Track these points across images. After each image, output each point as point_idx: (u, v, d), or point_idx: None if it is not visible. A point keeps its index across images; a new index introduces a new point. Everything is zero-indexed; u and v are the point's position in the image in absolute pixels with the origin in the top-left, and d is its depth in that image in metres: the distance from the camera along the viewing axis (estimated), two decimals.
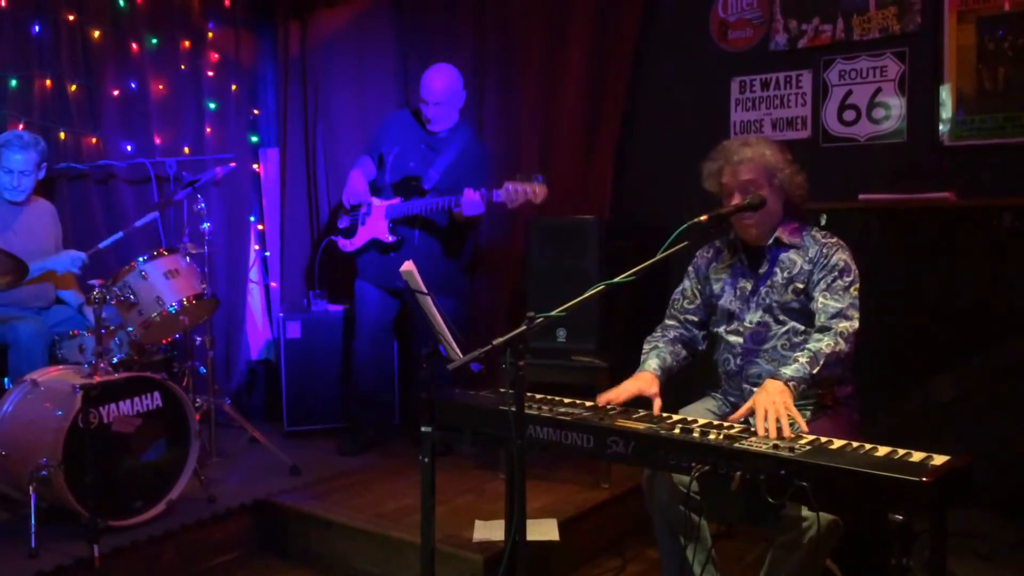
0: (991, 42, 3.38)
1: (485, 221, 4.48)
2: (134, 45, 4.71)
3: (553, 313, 2.17)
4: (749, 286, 2.66)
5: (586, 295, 2.26)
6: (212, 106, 5.02)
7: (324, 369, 4.57)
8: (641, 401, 2.52)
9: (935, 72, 3.50)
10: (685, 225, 2.35)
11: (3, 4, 4.28)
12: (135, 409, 3.26)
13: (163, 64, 4.82)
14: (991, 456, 3.04)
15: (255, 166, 5.30)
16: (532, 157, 4.36)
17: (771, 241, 2.62)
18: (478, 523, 3.23)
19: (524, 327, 2.08)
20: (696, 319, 2.79)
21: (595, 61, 4.23)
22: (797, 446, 2.02)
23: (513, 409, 2.07)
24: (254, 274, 5.29)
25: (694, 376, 2.82)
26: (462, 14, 4.60)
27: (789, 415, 2.21)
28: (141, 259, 3.52)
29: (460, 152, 4.14)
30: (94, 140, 4.58)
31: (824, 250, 2.56)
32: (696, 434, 2.14)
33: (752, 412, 2.25)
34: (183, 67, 4.90)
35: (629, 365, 2.79)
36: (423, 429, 2.53)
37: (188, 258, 3.69)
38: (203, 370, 4.26)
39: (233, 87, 5.12)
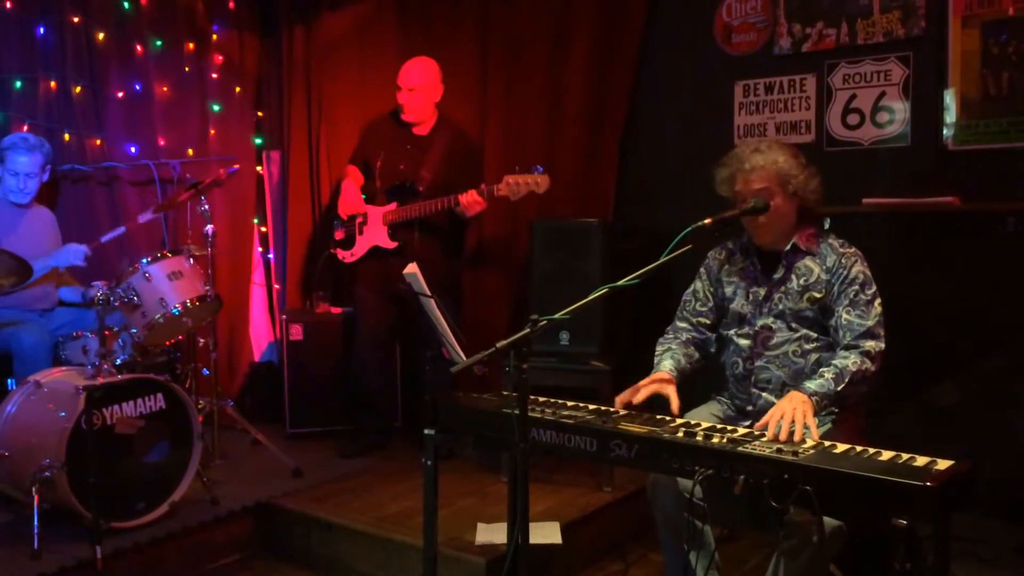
0: (995, 46, 3.38)
1: (488, 223, 4.49)
2: (138, 47, 4.72)
3: (556, 316, 2.17)
4: (762, 291, 2.64)
5: (589, 298, 2.26)
6: (216, 108, 5.02)
7: (326, 371, 4.57)
8: (657, 404, 2.50)
9: (939, 76, 3.49)
10: (689, 229, 2.35)
11: (8, 6, 4.29)
12: (138, 411, 3.26)
13: (167, 66, 4.83)
14: (995, 460, 3.04)
15: (258, 168, 5.30)
16: (536, 160, 4.35)
17: (788, 247, 2.60)
18: (480, 526, 3.22)
19: (527, 330, 2.07)
20: (708, 321, 2.77)
21: (599, 64, 4.23)
22: (801, 450, 2.02)
23: (516, 412, 2.07)
24: (257, 276, 5.30)
25: (697, 378, 2.82)
26: (466, 18, 4.60)
27: (806, 424, 2.20)
28: (145, 261, 3.53)
29: (447, 149, 4.15)
30: (98, 142, 4.59)
31: (843, 260, 2.53)
32: (699, 438, 2.13)
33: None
34: (187, 69, 4.91)
35: (632, 368, 2.79)
36: (426, 432, 2.53)
37: (191, 260, 3.69)
38: (206, 372, 4.26)
39: (237, 89, 5.13)
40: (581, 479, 3.69)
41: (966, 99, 3.45)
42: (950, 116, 3.48)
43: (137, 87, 4.72)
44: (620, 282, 2.26)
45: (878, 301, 2.50)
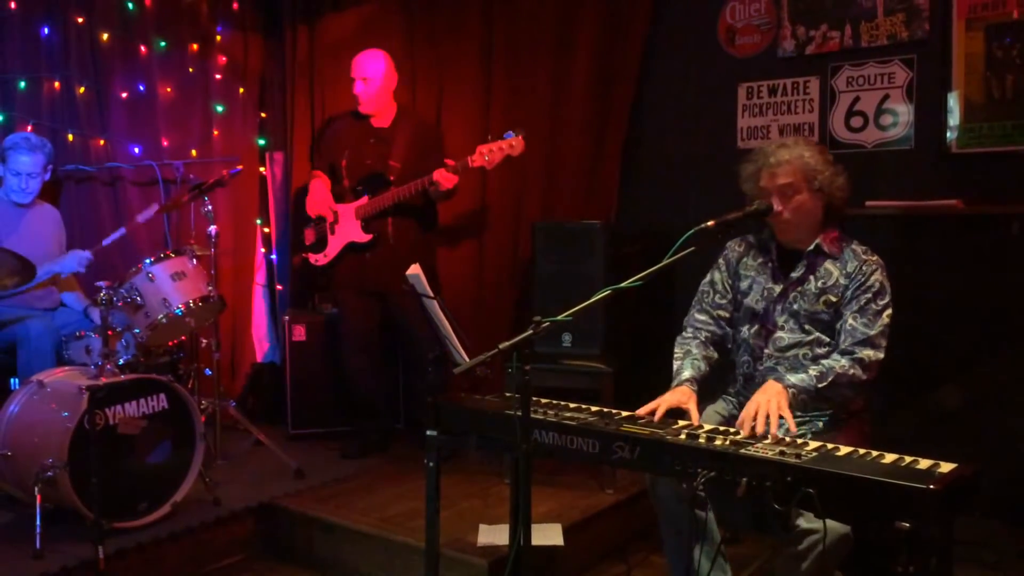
0: (999, 49, 3.38)
1: (490, 223, 4.50)
2: (142, 48, 4.73)
3: (559, 318, 2.17)
4: (778, 289, 2.61)
5: (592, 300, 2.25)
6: (219, 109, 5.03)
7: (329, 372, 4.56)
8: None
9: (943, 79, 3.49)
10: (692, 231, 2.35)
11: (12, 6, 4.30)
12: (141, 411, 3.26)
13: (171, 67, 4.84)
14: (999, 464, 3.03)
15: (261, 169, 5.31)
16: (538, 161, 4.37)
17: (812, 247, 2.58)
18: (482, 527, 3.22)
19: (530, 331, 2.07)
20: (727, 315, 2.73)
21: (602, 65, 4.23)
22: (804, 453, 2.01)
23: (519, 414, 2.07)
24: (260, 277, 5.30)
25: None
26: (470, 20, 4.60)
27: (781, 416, 2.20)
28: (148, 261, 3.54)
29: (411, 137, 4.18)
30: (102, 142, 4.59)
31: (863, 267, 2.51)
32: (702, 440, 2.13)
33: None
34: (191, 70, 4.92)
35: (634, 370, 2.79)
36: (428, 433, 2.53)
37: (194, 260, 3.69)
38: (208, 372, 4.26)
39: (240, 90, 5.13)
40: (583, 481, 3.68)
41: (970, 102, 3.44)
42: (954, 119, 3.48)
43: (141, 88, 4.72)
44: (623, 284, 2.26)
45: (887, 313, 2.48)
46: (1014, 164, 3.35)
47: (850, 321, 2.48)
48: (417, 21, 4.80)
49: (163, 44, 4.79)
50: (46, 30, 4.42)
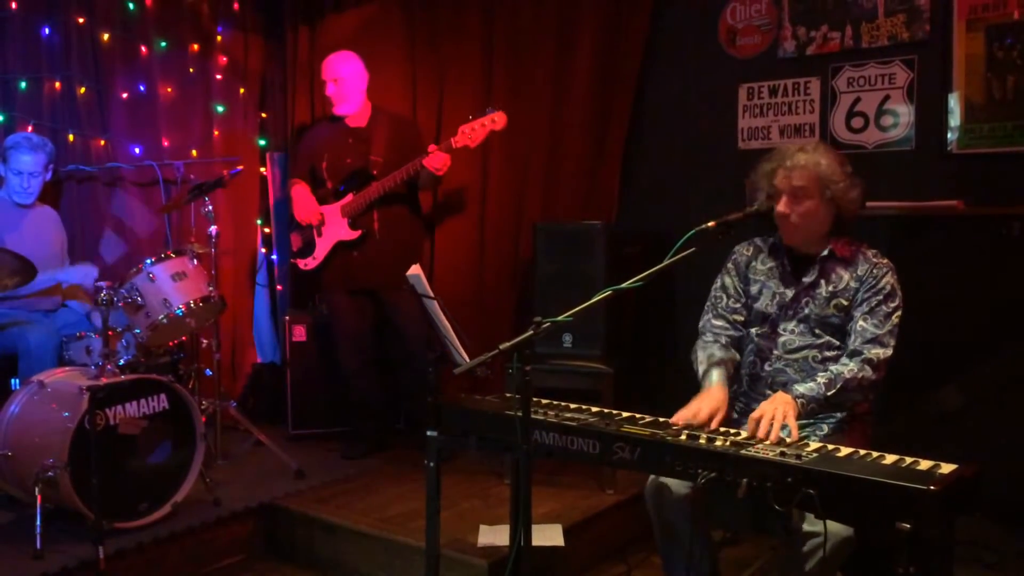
0: (1000, 50, 3.38)
1: (491, 224, 4.49)
2: (143, 48, 4.73)
3: (559, 318, 2.17)
4: (790, 293, 2.61)
5: (592, 300, 2.25)
6: (220, 109, 5.03)
7: (329, 372, 4.56)
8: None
9: (944, 80, 3.49)
10: (693, 231, 2.35)
11: (13, 7, 4.30)
12: (141, 411, 3.26)
13: (171, 67, 4.83)
14: (999, 465, 3.02)
15: (262, 169, 5.31)
16: (539, 162, 4.37)
17: (825, 252, 2.57)
18: (483, 528, 3.22)
19: (530, 332, 2.07)
20: (742, 318, 2.71)
21: (603, 66, 4.23)
22: (804, 453, 2.02)
23: (519, 414, 2.07)
24: (260, 277, 5.30)
25: None
26: (471, 20, 4.60)
27: (786, 424, 2.20)
28: (148, 261, 3.54)
29: (389, 132, 4.20)
30: (102, 142, 4.59)
31: (874, 271, 2.51)
32: (702, 440, 2.13)
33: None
34: (191, 70, 4.92)
35: (634, 370, 2.78)
36: (429, 433, 2.53)
37: (195, 261, 3.69)
38: (209, 372, 4.26)
39: (241, 90, 5.13)
40: (584, 481, 3.68)
41: (970, 103, 3.44)
42: (954, 120, 3.48)
43: (141, 88, 4.72)
44: (623, 284, 2.26)
45: (897, 315, 2.49)
46: (1015, 165, 3.35)
47: (860, 322, 2.49)
48: (418, 22, 4.80)
49: (164, 44, 4.79)
50: (47, 30, 4.42)
